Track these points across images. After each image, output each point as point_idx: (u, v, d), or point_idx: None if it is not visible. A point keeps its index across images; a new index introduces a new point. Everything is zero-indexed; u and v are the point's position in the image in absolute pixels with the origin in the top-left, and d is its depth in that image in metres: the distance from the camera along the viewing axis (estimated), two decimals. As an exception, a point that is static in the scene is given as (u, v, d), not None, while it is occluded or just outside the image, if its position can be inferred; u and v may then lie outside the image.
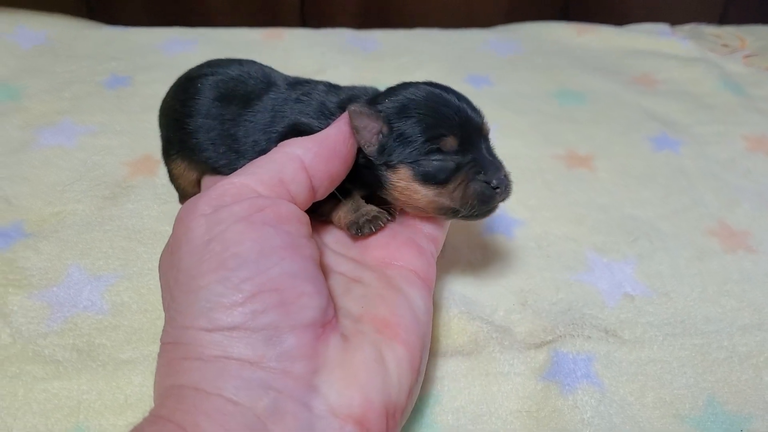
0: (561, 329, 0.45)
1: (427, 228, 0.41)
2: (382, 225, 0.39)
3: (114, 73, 0.70)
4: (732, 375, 0.43)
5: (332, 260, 0.39)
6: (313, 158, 0.36)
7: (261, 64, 0.45)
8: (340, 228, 0.41)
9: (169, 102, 0.46)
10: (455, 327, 0.45)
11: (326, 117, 0.40)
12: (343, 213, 0.40)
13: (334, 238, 0.41)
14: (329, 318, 0.33)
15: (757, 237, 0.54)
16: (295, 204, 0.35)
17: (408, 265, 0.38)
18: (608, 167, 0.61)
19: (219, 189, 0.33)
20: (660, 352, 0.44)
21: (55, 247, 0.49)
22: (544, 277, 0.50)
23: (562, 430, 0.40)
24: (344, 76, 0.72)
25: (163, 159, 0.49)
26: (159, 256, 0.35)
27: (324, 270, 0.35)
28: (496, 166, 0.39)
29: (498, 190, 0.38)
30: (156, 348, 0.33)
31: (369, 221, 0.39)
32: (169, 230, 0.34)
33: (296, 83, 0.43)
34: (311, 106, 0.40)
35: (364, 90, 0.42)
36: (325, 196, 0.38)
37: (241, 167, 0.36)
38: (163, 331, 0.32)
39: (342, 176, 0.38)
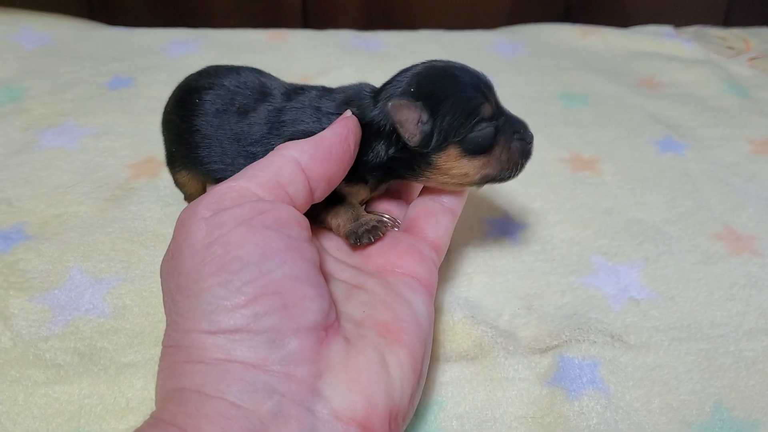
0: (566, 334, 0.45)
1: (430, 235, 0.41)
2: (381, 235, 0.39)
3: (116, 74, 0.70)
4: (739, 380, 0.43)
5: (334, 267, 0.39)
6: (309, 160, 0.36)
7: (259, 72, 0.45)
8: (340, 236, 0.40)
9: (169, 115, 0.47)
10: (460, 331, 0.45)
11: (322, 122, 0.40)
12: (342, 221, 0.40)
13: (335, 245, 0.41)
14: (331, 321, 0.33)
15: (763, 241, 0.53)
16: (294, 206, 0.35)
17: (410, 272, 0.38)
18: (613, 170, 0.61)
19: (218, 192, 0.33)
20: (666, 357, 0.44)
21: (57, 250, 0.49)
22: (549, 281, 0.49)
23: (567, 436, 0.39)
24: (348, 77, 0.71)
25: (168, 168, 0.49)
26: (161, 258, 0.35)
27: (325, 277, 0.35)
28: (520, 121, 0.41)
29: (531, 145, 0.41)
30: (158, 351, 0.32)
31: (368, 231, 0.39)
32: (172, 233, 0.34)
33: (291, 91, 0.43)
34: (306, 113, 0.40)
35: (358, 88, 0.42)
36: (323, 198, 0.38)
37: None
38: (164, 334, 0.32)
39: (340, 178, 0.38)
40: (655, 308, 0.47)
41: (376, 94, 0.40)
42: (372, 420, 0.31)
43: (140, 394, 0.40)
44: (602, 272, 0.50)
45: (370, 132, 0.40)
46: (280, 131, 0.40)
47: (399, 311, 0.36)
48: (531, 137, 0.41)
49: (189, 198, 0.50)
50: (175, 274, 0.32)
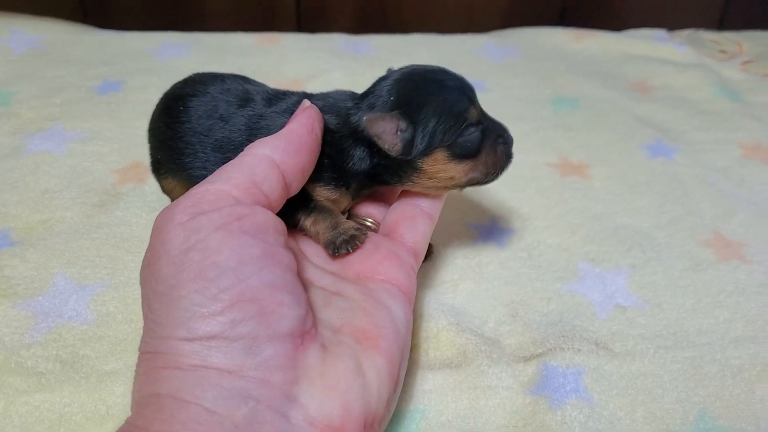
0: (551, 342, 0.44)
1: (409, 240, 0.41)
2: (359, 244, 0.39)
3: (105, 78, 0.70)
4: (724, 389, 0.42)
5: (313, 274, 0.38)
6: (282, 154, 0.36)
7: (244, 79, 0.45)
8: (319, 244, 0.40)
9: (155, 123, 0.47)
10: (444, 339, 0.44)
11: None
12: (321, 229, 0.40)
13: (314, 251, 0.41)
14: (308, 328, 0.33)
15: (752, 247, 0.53)
16: (270, 203, 0.35)
17: (389, 278, 0.38)
18: (603, 175, 0.61)
19: (195, 196, 0.33)
20: (651, 365, 0.44)
21: (42, 256, 0.49)
22: (535, 287, 0.49)
23: (550, 445, 0.39)
24: (338, 81, 0.72)
25: (154, 175, 0.49)
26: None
27: (305, 284, 0.35)
28: (500, 124, 0.41)
29: (511, 147, 0.41)
30: (139, 358, 0.32)
31: (346, 242, 0.39)
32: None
33: (273, 97, 0.43)
34: (285, 118, 0.40)
35: (339, 94, 0.42)
36: (298, 191, 0.38)
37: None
38: (142, 340, 0.32)
39: (311, 167, 0.38)
40: (642, 315, 0.47)
41: (357, 101, 0.40)
42: (347, 426, 0.31)
43: (120, 401, 0.40)
44: (589, 279, 0.50)
45: (353, 140, 0.40)
46: (258, 137, 0.40)
47: (377, 318, 0.36)
48: (511, 140, 0.41)
49: None
50: (152, 280, 0.32)
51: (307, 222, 0.40)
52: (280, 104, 0.42)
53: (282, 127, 0.38)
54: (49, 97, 0.66)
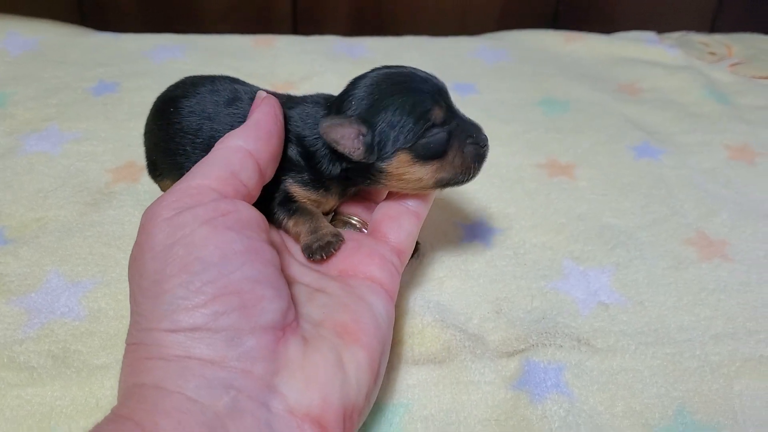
0: (534, 338, 0.45)
1: (392, 239, 0.42)
2: (334, 252, 0.40)
3: (101, 79, 0.71)
4: (703, 384, 0.43)
5: (296, 271, 0.39)
6: (254, 143, 0.37)
7: (235, 80, 0.46)
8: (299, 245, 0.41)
9: (150, 126, 0.48)
10: (428, 335, 0.45)
11: None
12: (302, 232, 0.41)
13: (299, 248, 0.41)
14: (290, 321, 0.34)
15: (735, 246, 0.54)
16: (249, 191, 0.36)
17: (371, 276, 0.39)
18: (589, 176, 0.62)
19: (178, 192, 0.34)
20: (632, 361, 0.44)
21: (35, 253, 0.50)
22: (520, 285, 0.50)
23: (530, 439, 0.40)
24: (331, 83, 0.73)
25: (150, 177, 0.50)
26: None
27: (289, 280, 0.36)
28: (474, 124, 0.41)
29: (485, 148, 0.41)
30: (130, 353, 0.33)
31: (321, 248, 0.40)
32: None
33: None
34: None
35: (318, 97, 0.43)
36: (272, 177, 0.39)
37: None
38: (128, 332, 0.33)
39: (280, 152, 0.40)
40: (624, 313, 0.48)
41: (330, 106, 0.41)
42: (326, 416, 0.32)
43: (110, 393, 0.41)
44: (573, 277, 0.51)
45: (322, 144, 0.41)
46: None
47: (358, 313, 0.37)
48: (485, 140, 0.41)
49: None
50: (137, 275, 0.33)
51: (290, 223, 0.41)
52: None
53: None
54: (45, 98, 0.67)
